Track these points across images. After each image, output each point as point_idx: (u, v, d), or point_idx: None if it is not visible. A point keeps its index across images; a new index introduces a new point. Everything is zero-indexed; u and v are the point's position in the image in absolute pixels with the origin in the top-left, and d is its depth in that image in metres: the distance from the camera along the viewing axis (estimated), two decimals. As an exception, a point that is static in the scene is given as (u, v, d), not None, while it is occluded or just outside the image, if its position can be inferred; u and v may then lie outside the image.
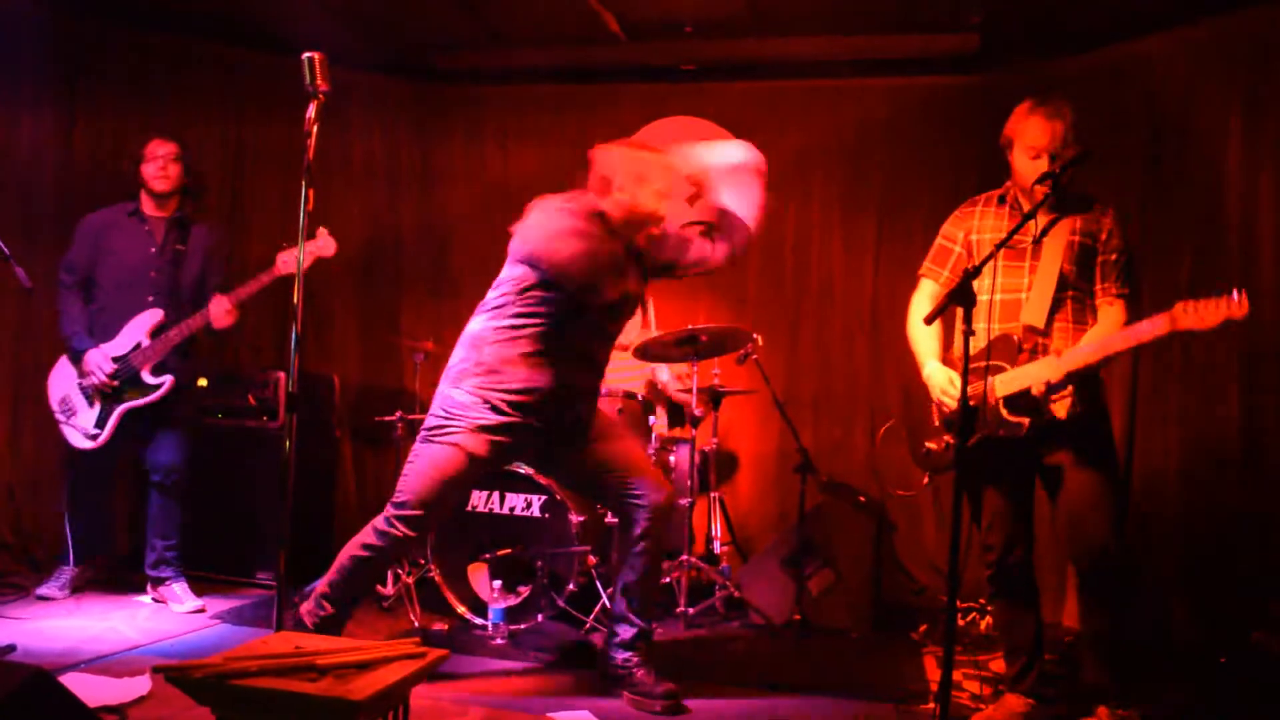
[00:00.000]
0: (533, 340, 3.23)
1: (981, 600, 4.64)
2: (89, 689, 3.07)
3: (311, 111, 2.74)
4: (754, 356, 4.54)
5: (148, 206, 4.35)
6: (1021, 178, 3.17)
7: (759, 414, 5.38)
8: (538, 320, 3.23)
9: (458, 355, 3.34)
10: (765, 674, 3.71)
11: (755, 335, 4.47)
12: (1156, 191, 4.53)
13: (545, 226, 3.17)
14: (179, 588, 4.33)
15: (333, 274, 5.36)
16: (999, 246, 2.89)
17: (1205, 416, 4.29)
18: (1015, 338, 3.13)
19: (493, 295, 3.33)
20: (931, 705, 3.34)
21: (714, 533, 4.82)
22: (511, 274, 3.28)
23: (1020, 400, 3.08)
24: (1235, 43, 4.25)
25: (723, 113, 5.53)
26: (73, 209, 4.57)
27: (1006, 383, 3.10)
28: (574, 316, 3.24)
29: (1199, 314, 2.78)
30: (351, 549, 3.35)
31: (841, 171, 5.41)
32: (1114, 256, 3.14)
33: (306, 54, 2.74)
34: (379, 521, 3.31)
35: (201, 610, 4.22)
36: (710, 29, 5.06)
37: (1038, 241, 3.16)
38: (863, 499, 4.73)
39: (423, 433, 3.33)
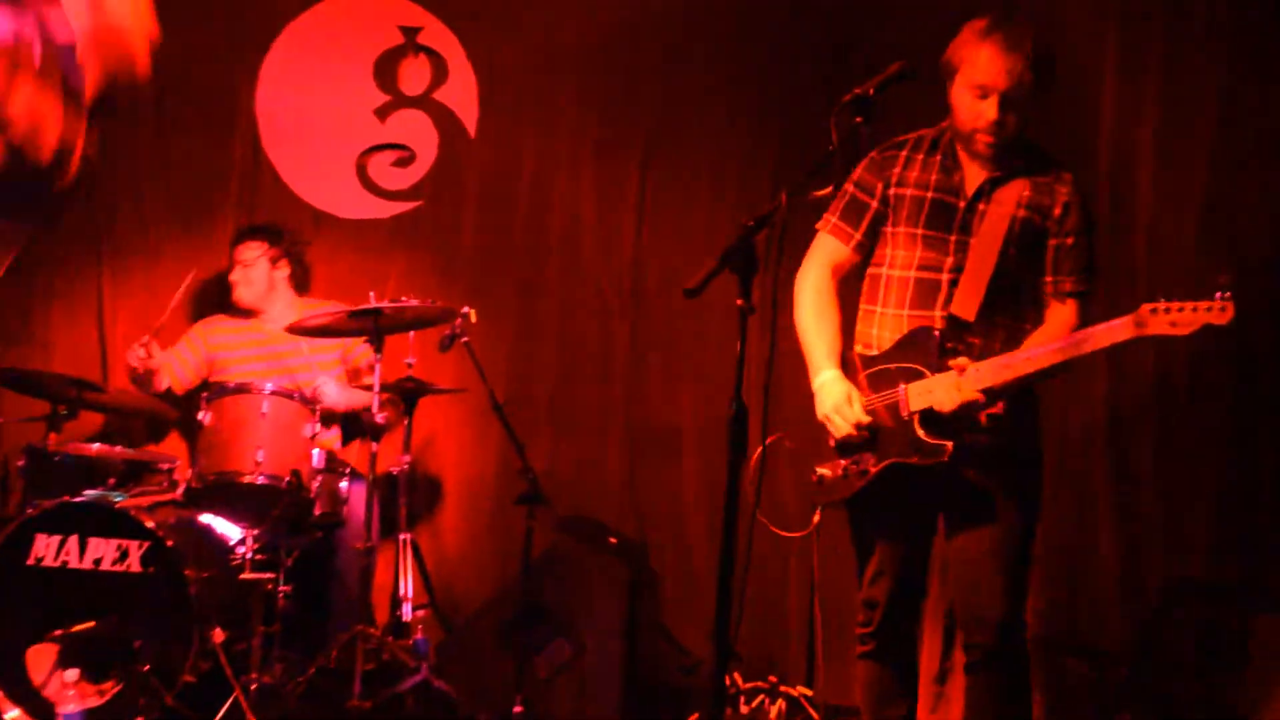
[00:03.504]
0: None
1: (773, 679, 4.77)
2: None
3: None
4: (464, 339, 4.50)
5: None
6: (961, 119, 3.24)
7: (472, 421, 5.31)
8: None
9: None
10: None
11: (465, 309, 4.43)
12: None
13: None
14: None
15: None
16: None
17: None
18: (936, 332, 3.18)
19: None
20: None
21: (404, 591, 4.71)
22: None
23: (940, 418, 3.13)
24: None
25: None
26: None
27: (921, 394, 3.16)
28: None
29: (1173, 319, 2.88)
30: None
31: (600, 85, 5.46)
32: (1070, 240, 3.23)
33: None
34: None
35: None
36: None
37: (972, 207, 3.25)
38: (614, 540, 4.79)
39: None
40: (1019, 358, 3.07)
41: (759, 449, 3.37)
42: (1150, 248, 4.43)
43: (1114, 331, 2.97)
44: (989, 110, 3.14)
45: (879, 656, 3.40)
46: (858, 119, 2.96)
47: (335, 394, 4.85)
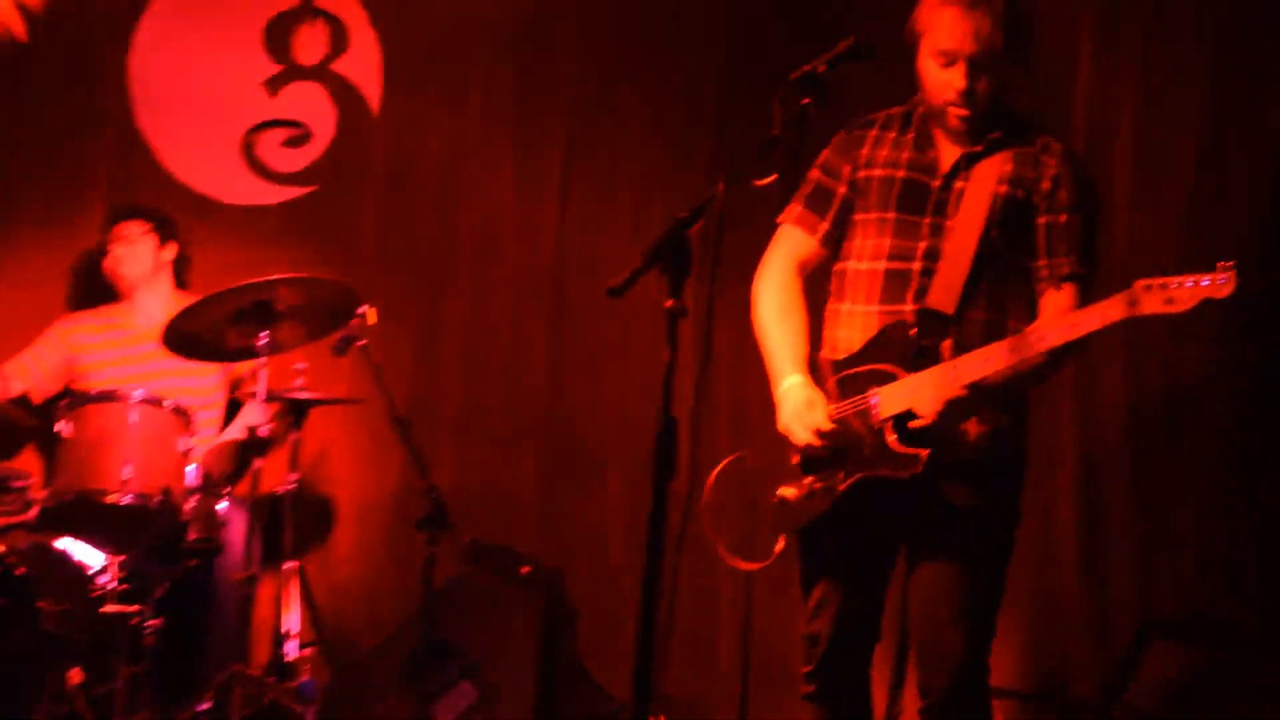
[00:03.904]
0: None
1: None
2: None
3: None
4: (361, 342, 4.46)
5: None
6: (930, 92, 3.20)
7: (369, 435, 5.26)
8: None
9: None
10: None
11: (363, 308, 4.43)
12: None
13: None
14: None
15: None
16: None
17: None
18: (911, 329, 3.12)
19: None
20: None
21: (288, 627, 4.66)
22: None
23: (917, 423, 3.07)
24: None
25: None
26: None
27: (896, 397, 3.10)
28: None
29: (1169, 294, 2.80)
30: None
31: (521, 58, 5.45)
32: (1063, 218, 3.17)
33: None
34: None
35: None
36: None
37: (948, 186, 3.21)
38: (527, 569, 4.77)
39: None
40: (1005, 346, 2.98)
41: (718, 467, 3.42)
42: (1131, 247, 4.44)
43: (1105, 311, 2.87)
44: (956, 79, 3.10)
45: (822, 699, 3.34)
46: (805, 100, 2.91)
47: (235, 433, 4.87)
